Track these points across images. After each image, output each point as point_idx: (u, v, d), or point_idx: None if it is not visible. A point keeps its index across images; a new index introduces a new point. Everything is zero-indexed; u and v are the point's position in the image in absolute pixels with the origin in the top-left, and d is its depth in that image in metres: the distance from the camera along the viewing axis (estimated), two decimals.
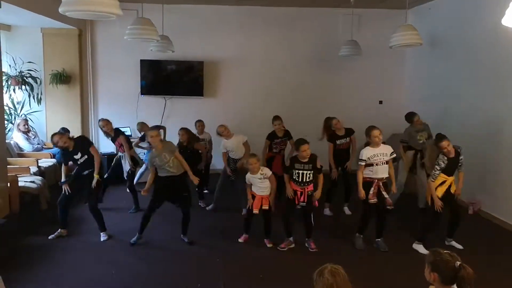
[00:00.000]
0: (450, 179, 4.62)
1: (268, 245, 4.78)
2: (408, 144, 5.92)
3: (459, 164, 4.63)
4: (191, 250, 4.71)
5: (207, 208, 6.01)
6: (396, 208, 5.87)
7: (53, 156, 7.08)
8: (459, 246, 4.69)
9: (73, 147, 4.87)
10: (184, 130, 6.00)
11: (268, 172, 4.75)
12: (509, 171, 5.47)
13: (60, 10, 3.36)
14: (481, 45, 6.02)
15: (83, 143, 4.99)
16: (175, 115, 8.14)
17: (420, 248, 4.65)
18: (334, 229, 5.35)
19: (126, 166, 6.05)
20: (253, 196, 4.78)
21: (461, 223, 4.74)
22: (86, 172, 4.91)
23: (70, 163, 5.04)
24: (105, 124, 6.01)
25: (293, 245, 4.71)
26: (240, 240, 4.89)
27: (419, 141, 5.81)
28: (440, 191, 4.58)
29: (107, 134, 6.11)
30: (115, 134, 6.05)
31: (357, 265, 4.08)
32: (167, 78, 8.14)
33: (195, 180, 4.85)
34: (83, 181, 4.91)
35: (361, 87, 8.42)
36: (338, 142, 5.78)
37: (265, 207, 4.71)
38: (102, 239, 4.91)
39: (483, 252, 4.66)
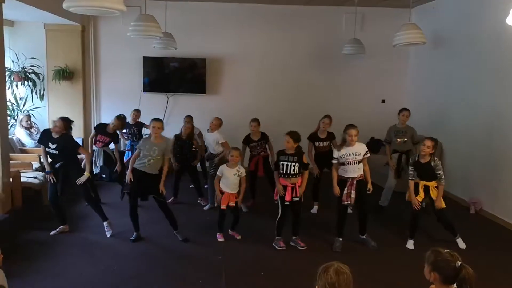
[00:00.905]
0: (422, 183, 4.65)
1: (237, 237, 4.90)
2: (390, 144, 5.83)
3: (438, 175, 4.60)
4: (191, 247, 4.72)
5: (204, 208, 5.98)
6: (396, 208, 5.89)
7: None
8: (462, 245, 4.69)
9: (57, 137, 4.74)
10: (190, 118, 6.09)
11: (243, 172, 4.84)
12: (511, 170, 5.46)
13: (64, 6, 3.38)
14: (484, 44, 6.00)
15: (66, 142, 4.80)
16: (178, 113, 8.12)
17: (409, 244, 4.75)
18: (333, 228, 5.34)
19: (100, 162, 6.09)
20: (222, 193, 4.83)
21: (454, 226, 4.78)
22: (57, 165, 4.84)
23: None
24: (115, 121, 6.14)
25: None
26: (220, 239, 4.87)
27: (397, 143, 5.72)
28: (419, 195, 4.64)
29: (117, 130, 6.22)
30: (115, 134, 6.17)
31: (357, 264, 4.06)
32: (170, 75, 8.15)
33: (163, 190, 4.73)
34: (59, 173, 4.85)
35: (364, 85, 8.41)
36: (317, 144, 5.79)
37: (232, 204, 4.79)
38: (108, 234, 4.89)
39: (484, 251, 4.65)
